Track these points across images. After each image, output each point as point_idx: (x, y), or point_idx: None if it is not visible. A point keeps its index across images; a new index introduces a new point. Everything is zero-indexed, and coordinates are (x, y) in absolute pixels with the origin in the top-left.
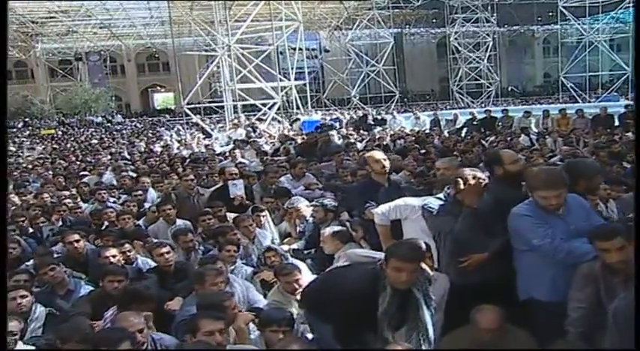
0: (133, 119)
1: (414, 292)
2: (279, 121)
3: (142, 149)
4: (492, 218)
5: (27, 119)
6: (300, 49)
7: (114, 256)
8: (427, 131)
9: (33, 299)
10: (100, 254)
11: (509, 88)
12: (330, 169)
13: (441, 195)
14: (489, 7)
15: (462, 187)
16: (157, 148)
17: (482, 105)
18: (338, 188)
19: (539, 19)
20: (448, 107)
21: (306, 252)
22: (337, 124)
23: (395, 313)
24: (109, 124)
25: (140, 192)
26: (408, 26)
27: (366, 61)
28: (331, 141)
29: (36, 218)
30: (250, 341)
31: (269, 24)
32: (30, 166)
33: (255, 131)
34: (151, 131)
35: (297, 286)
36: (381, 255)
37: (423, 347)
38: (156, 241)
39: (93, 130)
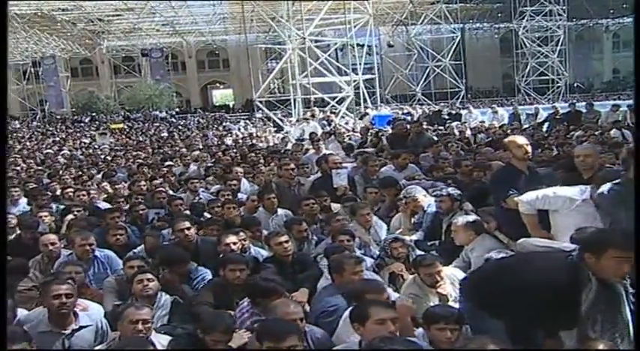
0: (194, 114)
1: (617, 287)
2: (347, 115)
3: (215, 142)
4: None
5: (93, 114)
6: (369, 45)
7: (234, 244)
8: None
9: (159, 285)
10: (220, 241)
11: (575, 85)
12: (427, 161)
13: (618, 181)
14: (560, 0)
15: None
16: (228, 141)
17: (550, 101)
18: (450, 178)
19: (612, 11)
20: (514, 103)
21: (429, 243)
22: (409, 119)
23: (601, 310)
24: (172, 119)
25: (234, 182)
26: (471, 21)
27: (431, 56)
28: (423, 133)
29: (136, 205)
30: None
31: (336, 17)
32: (109, 158)
33: (329, 124)
34: (215, 125)
35: (438, 278)
36: (560, 244)
37: (621, 347)
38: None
39: (158, 124)
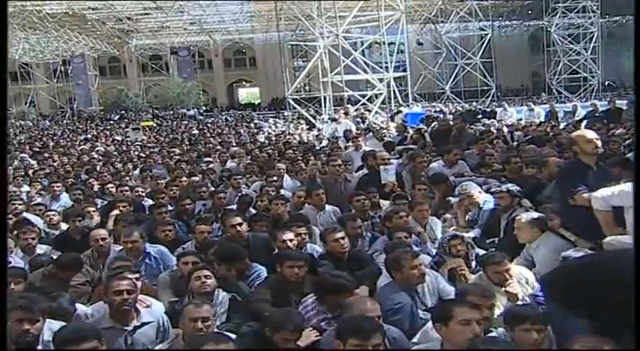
0: (222, 112)
1: None
2: (377, 113)
3: (248, 139)
4: None
5: (122, 112)
6: (402, 43)
7: (291, 240)
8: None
9: (216, 282)
10: (275, 238)
11: (606, 83)
12: (471, 157)
13: None
14: None
15: None
16: (261, 138)
17: (582, 99)
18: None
19: None
20: (551, 101)
21: (487, 241)
22: (441, 116)
23: None
24: (201, 117)
25: (275, 178)
26: (500, 18)
27: (461, 54)
28: (466, 129)
29: (181, 200)
30: None
31: (364, 15)
32: (143, 155)
33: (363, 122)
34: (244, 123)
35: (507, 277)
36: None
37: None
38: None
39: (186, 122)
